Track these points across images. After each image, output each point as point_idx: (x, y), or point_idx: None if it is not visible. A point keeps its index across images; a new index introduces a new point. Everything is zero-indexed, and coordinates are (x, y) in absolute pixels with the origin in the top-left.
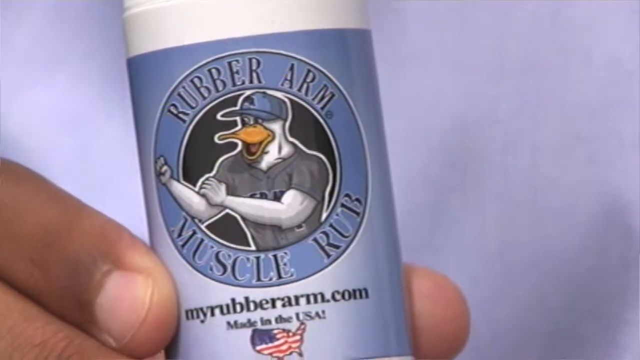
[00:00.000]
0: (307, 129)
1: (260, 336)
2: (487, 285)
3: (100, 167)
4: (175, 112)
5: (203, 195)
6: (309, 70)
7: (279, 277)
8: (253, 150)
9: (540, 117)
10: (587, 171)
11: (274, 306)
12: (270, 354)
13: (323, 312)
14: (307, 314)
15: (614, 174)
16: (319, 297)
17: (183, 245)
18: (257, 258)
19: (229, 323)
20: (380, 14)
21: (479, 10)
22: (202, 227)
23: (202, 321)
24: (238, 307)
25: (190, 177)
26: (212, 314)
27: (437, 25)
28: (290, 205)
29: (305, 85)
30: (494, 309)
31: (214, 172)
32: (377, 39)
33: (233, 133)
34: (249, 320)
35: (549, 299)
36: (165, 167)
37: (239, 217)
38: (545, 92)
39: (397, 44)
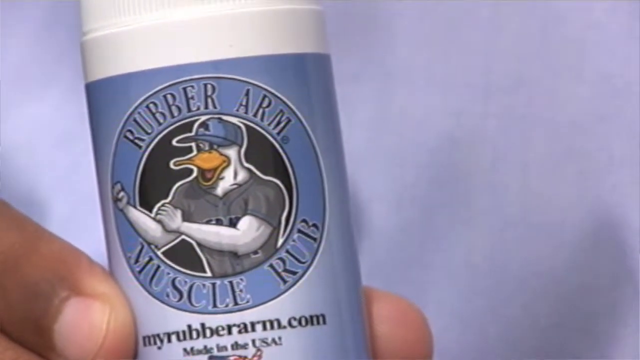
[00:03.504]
0: (263, 154)
1: None
2: (477, 302)
3: (91, 182)
4: (131, 137)
5: (159, 222)
6: (264, 96)
7: (235, 303)
8: (208, 176)
9: (529, 133)
10: (577, 187)
11: (230, 332)
12: None
13: (280, 338)
14: (264, 341)
15: (604, 190)
16: (275, 324)
17: (140, 272)
18: (213, 284)
19: (185, 349)
20: (369, 32)
21: (467, 27)
22: (159, 253)
23: (159, 347)
24: (194, 334)
25: (147, 203)
26: (169, 340)
27: (426, 43)
28: (246, 232)
29: (260, 111)
30: (483, 326)
31: (169, 198)
32: (366, 57)
33: (188, 159)
34: (205, 347)
35: (538, 316)
36: (122, 193)
37: (194, 243)
38: (534, 109)
39: (385, 62)
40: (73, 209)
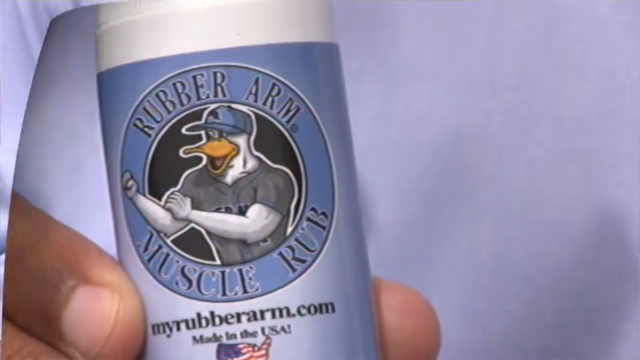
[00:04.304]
0: (272, 142)
1: (226, 351)
2: (481, 298)
3: (95, 180)
4: (140, 126)
5: (168, 210)
6: (274, 84)
7: (245, 291)
8: (218, 164)
9: (533, 130)
10: (581, 184)
11: (239, 321)
12: None
13: (289, 326)
14: (273, 329)
15: (608, 187)
16: (284, 312)
17: (149, 260)
18: (223, 272)
19: (194, 338)
20: (373, 29)
21: (472, 24)
22: (168, 241)
23: (169, 336)
24: (204, 322)
25: (156, 192)
26: (178, 329)
27: (430, 40)
28: (255, 220)
29: (270, 99)
30: (487, 322)
31: (179, 186)
32: (371, 54)
33: (198, 147)
34: (214, 335)
35: (543, 313)
36: (131, 182)
37: (204, 232)
38: (538, 106)
39: (390, 59)
40: (75, 211)
